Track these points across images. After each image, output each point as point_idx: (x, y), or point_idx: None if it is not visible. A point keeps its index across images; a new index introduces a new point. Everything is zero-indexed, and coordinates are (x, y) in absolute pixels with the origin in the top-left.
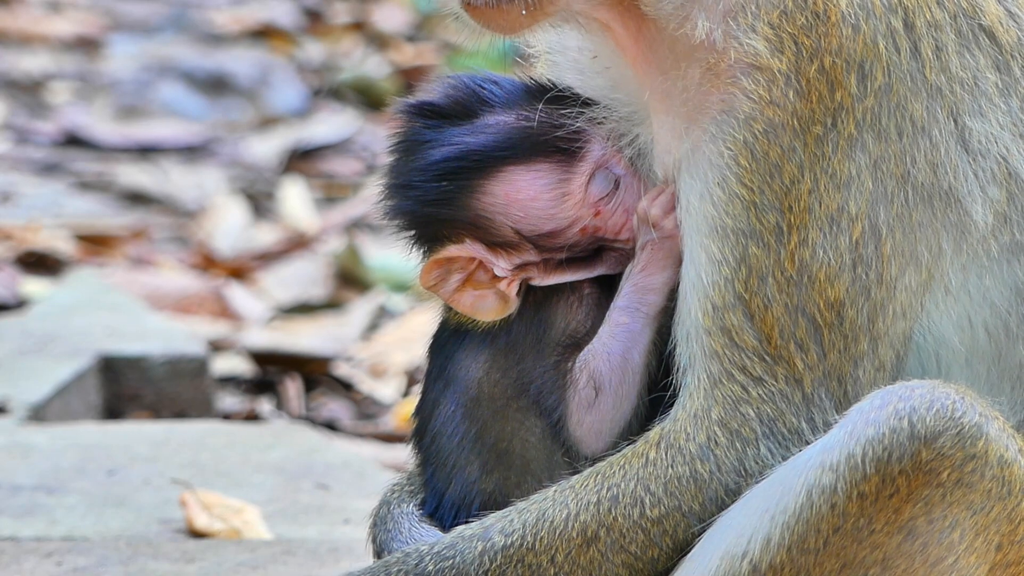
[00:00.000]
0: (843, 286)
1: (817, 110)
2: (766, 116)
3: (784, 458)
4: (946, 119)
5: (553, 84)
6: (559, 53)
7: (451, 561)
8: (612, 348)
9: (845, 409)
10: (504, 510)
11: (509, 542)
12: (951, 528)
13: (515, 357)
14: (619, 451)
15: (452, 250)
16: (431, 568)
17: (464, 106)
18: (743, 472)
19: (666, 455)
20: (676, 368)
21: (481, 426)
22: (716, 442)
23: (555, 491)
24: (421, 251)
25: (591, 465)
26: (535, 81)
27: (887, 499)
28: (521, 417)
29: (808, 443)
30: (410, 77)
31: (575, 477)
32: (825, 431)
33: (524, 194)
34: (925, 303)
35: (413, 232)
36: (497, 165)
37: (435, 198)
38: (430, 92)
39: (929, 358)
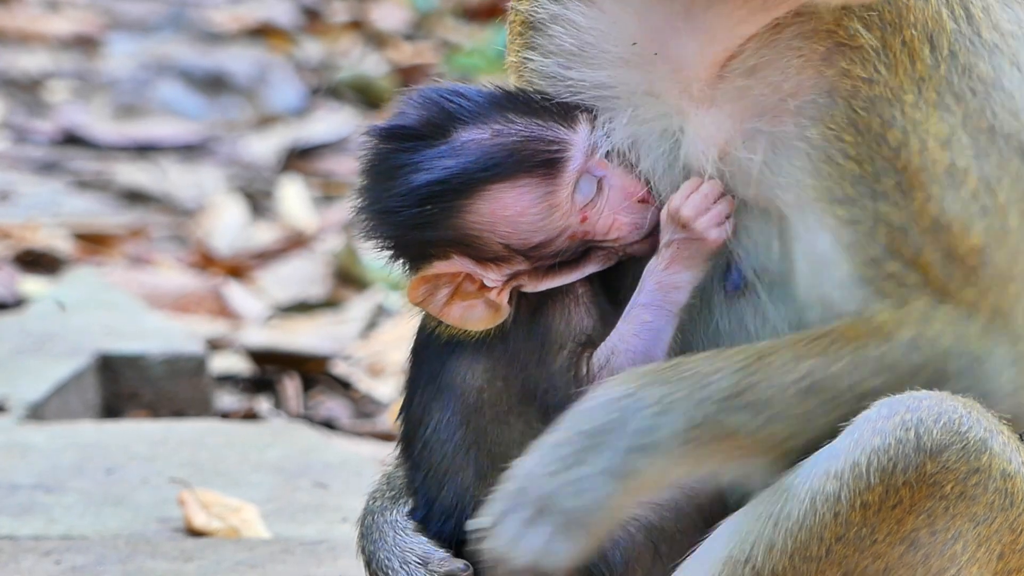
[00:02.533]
0: (979, 233)
1: (904, 81)
2: (863, 93)
3: (977, 381)
4: (1010, 69)
5: (522, 90)
6: (559, 25)
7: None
8: (635, 346)
9: (1021, 345)
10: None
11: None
12: (954, 540)
13: (518, 366)
14: (821, 327)
15: (439, 266)
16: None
17: (435, 124)
18: (944, 379)
19: (876, 337)
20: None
21: (479, 433)
22: (916, 347)
23: (780, 344)
24: (406, 268)
25: None
26: (501, 88)
27: (890, 509)
28: (522, 425)
29: (990, 372)
30: (408, 76)
31: (767, 343)
32: (1011, 364)
33: (511, 211)
34: None
35: (396, 253)
36: (481, 185)
37: (420, 222)
38: (399, 114)
39: None
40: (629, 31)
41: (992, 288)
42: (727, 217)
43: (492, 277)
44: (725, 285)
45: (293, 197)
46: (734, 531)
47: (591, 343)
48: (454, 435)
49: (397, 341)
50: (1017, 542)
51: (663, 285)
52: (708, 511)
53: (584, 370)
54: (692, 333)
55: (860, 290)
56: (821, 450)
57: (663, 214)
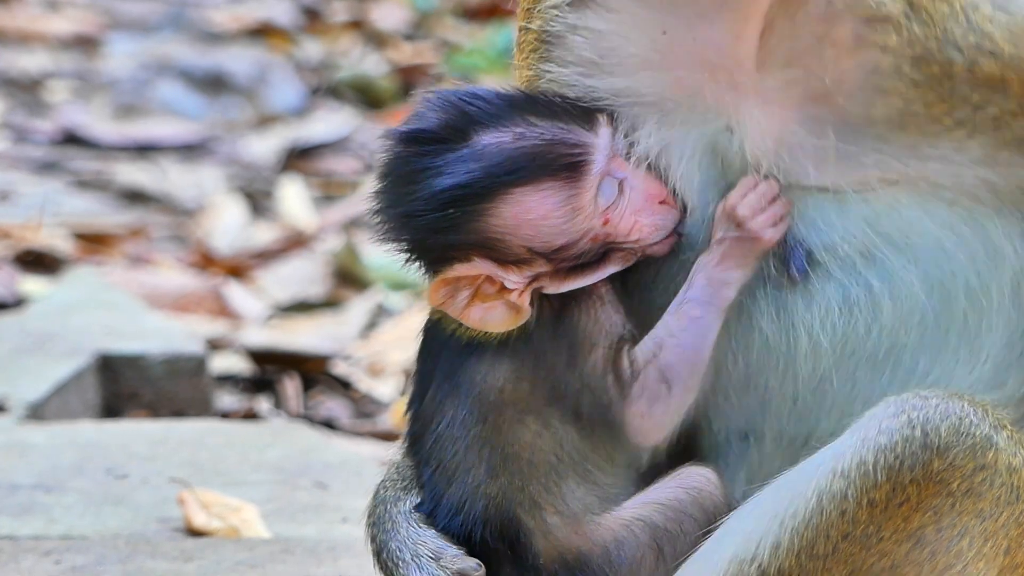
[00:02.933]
0: None
1: (947, 22)
2: (907, 56)
3: None
4: None
5: (541, 92)
6: (579, 35)
7: None
8: (684, 341)
9: None
10: None
11: None
12: (960, 536)
13: (545, 368)
14: None
15: (460, 269)
16: None
17: (455, 127)
18: None
19: None
20: None
21: (494, 431)
22: None
23: None
24: (425, 270)
25: (648, 458)
26: (519, 90)
27: (897, 507)
28: (538, 426)
29: None
30: (408, 76)
31: None
32: None
33: (535, 214)
34: None
35: (415, 255)
36: (504, 189)
37: (442, 226)
38: (417, 117)
39: None
40: (655, 26)
41: None
42: (782, 218)
43: (513, 279)
44: (789, 272)
45: (293, 197)
46: (739, 530)
47: (627, 339)
48: (468, 432)
49: (397, 341)
50: (1023, 536)
51: (714, 281)
52: (712, 511)
53: (625, 366)
54: (730, 332)
55: None
56: (825, 448)
57: (719, 210)
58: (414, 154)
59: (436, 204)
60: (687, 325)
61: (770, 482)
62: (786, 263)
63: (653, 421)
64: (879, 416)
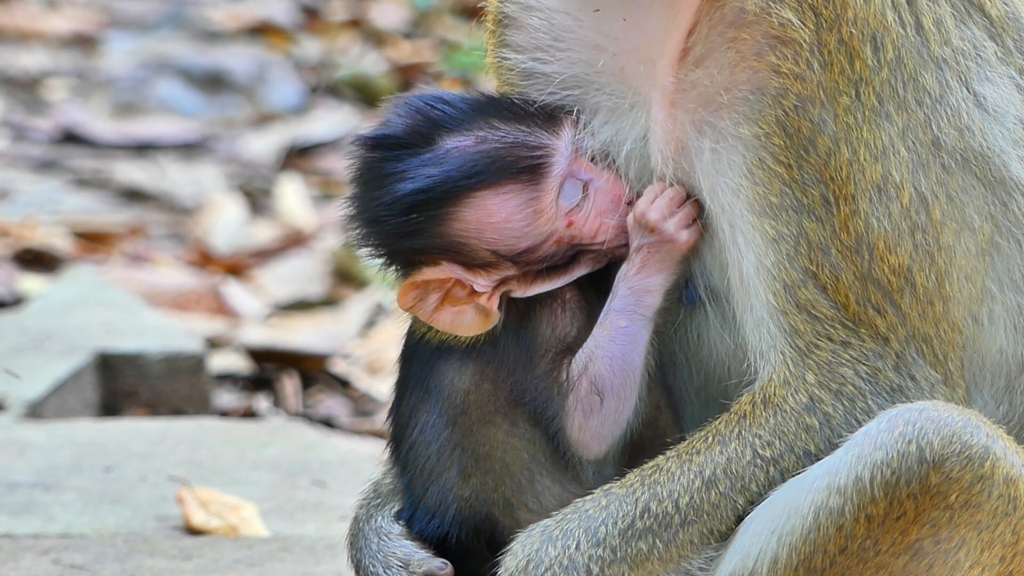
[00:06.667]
0: (906, 252)
1: (840, 81)
2: (795, 90)
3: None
4: (959, 87)
5: (507, 96)
6: (533, 16)
7: (575, 522)
8: (612, 352)
9: (943, 368)
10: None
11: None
12: (957, 548)
13: (506, 370)
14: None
15: (428, 273)
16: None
17: (420, 132)
18: (856, 423)
19: (765, 410)
20: (752, 353)
21: (464, 434)
22: (821, 400)
23: (668, 453)
24: (399, 274)
25: (594, 468)
26: (486, 95)
27: (894, 521)
28: (508, 425)
29: (913, 399)
30: (407, 74)
31: (684, 442)
32: (931, 390)
33: (496, 217)
34: (990, 264)
35: (386, 260)
36: (466, 192)
37: (406, 230)
38: (384, 122)
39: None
40: (592, 2)
41: (911, 312)
42: (695, 219)
43: (481, 283)
44: (683, 299)
45: (292, 195)
46: (736, 548)
47: (571, 349)
48: (439, 436)
49: (396, 339)
50: (1018, 545)
51: (635, 290)
52: None
53: (563, 378)
54: (666, 341)
55: (774, 325)
56: (820, 464)
57: (629, 219)
58: (379, 159)
59: (399, 209)
60: (614, 335)
61: (767, 497)
62: (684, 289)
63: (590, 434)
64: (872, 432)
